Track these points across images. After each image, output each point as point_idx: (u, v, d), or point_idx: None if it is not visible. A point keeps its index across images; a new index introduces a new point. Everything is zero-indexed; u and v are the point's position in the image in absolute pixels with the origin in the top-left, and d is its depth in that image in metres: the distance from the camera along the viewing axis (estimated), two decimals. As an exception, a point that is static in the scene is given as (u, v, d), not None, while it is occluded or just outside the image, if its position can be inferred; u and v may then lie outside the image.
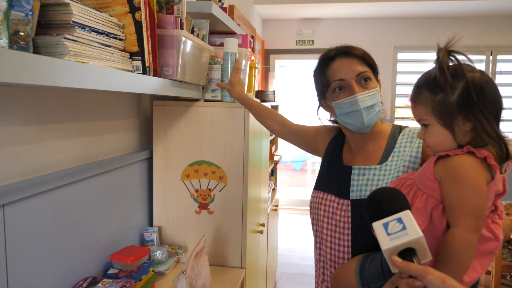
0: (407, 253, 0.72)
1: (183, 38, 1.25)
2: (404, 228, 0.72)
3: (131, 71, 1.05)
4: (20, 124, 1.02)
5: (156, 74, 1.15)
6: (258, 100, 1.69)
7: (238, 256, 1.69)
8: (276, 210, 3.12)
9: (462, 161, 0.86)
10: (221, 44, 1.85)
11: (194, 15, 1.59)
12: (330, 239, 1.12)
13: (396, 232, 0.72)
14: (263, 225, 2.21)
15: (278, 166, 3.58)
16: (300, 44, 5.18)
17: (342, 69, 1.08)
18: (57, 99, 1.16)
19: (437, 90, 0.88)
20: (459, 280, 0.80)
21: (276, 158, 3.23)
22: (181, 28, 1.28)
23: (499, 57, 4.84)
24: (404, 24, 4.94)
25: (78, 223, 1.24)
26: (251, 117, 1.62)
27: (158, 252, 1.54)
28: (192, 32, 1.46)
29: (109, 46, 0.96)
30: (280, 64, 5.54)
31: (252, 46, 3.50)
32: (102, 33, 0.92)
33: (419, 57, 5.07)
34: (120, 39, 1.02)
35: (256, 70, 2.11)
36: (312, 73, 1.18)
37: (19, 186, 0.98)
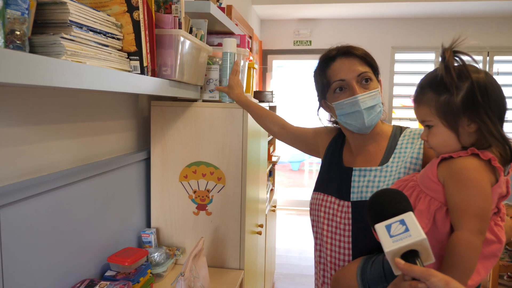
0: (410, 255, 0.71)
1: (182, 38, 1.24)
2: (407, 230, 0.71)
3: (129, 71, 1.04)
4: (16, 124, 1.01)
5: (154, 74, 1.14)
6: (257, 101, 1.68)
7: (237, 258, 1.68)
8: (274, 211, 3.11)
9: (466, 163, 0.85)
10: (219, 44, 1.84)
11: (192, 14, 1.57)
12: (331, 241, 1.11)
13: (399, 234, 0.71)
14: (261, 226, 2.20)
15: (276, 166, 3.58)
16: (298, 45, 5.18)
17: (342, 69, 1.07)
18: (54, 99, 1.14)
19: (442, 90, 0.87)
20: (465, 284, 0.79)
21: (274, 159, 3.23)
22: (179, 28, 1.27)
23: (496, 57, 4.85)
24: (401, 24, 4.95)
25: (75, 224, 1.22)
26: (250, 117, 1.61)
27: (156, 254, 1.53)
28: (191, 32, 1.45)
29: (107, 46, 0.95)
30: (277, 65, 5.53)
31: (250, 46, 3.50)
32: (99, 33, 0.91)
33: (417, 58, 5.08)
34: (118, 39, 1.01)
35: (254, 70, 2.10)
36: (312, 73, 1.17)
37: (15, 187, 0.97)
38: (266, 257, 2.67)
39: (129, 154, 1.57)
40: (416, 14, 4.74)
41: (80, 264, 1.26)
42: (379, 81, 1.12)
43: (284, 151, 4.47)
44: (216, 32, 1.92)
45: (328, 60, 1.10)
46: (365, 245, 1.04)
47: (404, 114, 5.24)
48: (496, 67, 4.88)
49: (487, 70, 4.81)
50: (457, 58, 0.88)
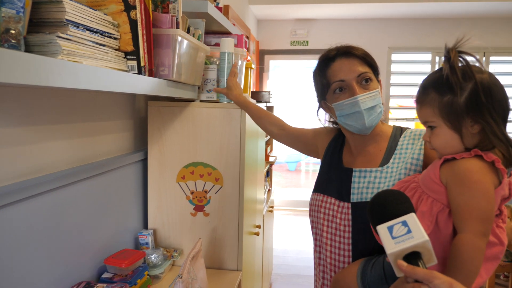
0: (412, 256, 0.70)
1: (179, 38, 1.23)
2: (409, 231, 0.70)
3: (126, 71, 1.03)
4: (11, 125, 0.99)
5: (151, 74, 1.13)
6: (254, 101, 1.67)
7: (235, 259, 1.67)
8: (271, 211, 3.11)
9: (469, 165, 0.84)
10: (217, 44, 1.83)
11: (189, 14, 1.56)
12: (330, 242, 1.10)
13: (401, 235, 0.70)
14: (259, 226, 2.20)
15: (273, 167, 3.57)
16: (295, 45, 5.18)
17: (342, 70, 1.06)
18: (50, 99, 1.13)
19: (445, 91, 0.86)
20: (469, 287, 0.79)
21: (271, 159, 3.22)
22: (177, 27, 1.25)
23: (492, 58, 4.87)
24: (398, 25, 4.96)
25: (72, 226, 1.21)
26: (248, 117, 1.60)
27: (153, 256, 1.51)
28: (188, 31, 1.43)
29: (104, 45, 0.93)
30: (274, 65, 5.53)
31: (247, 46, 3.49)
32: (96, 32, 0.90)
33: (413, 58, 5.09)
34: (115, 38, 0.99)
35: (252, 70, 2.09)
36: (312, 74, 1.16)
37: (11, 188, 0.95)
38: (264, 257, 2.66)
39: (126, 155, 1.56)
40: (412, 14, 4.75)
41: (76, 266, 1.24)
42: (379, 81, 1.11)
43: (281, 151, 4.47)
44: (214, 32, 1.91)
45: (328, 60, 1.09)
46: (365, 247, 1.04)
47: (400, 114, 5.25)
48: (492, 68, 4.90)
49: (483, 70, 4.88)
50: (460, 59, 0.87)
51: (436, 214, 0.86)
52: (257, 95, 2.73)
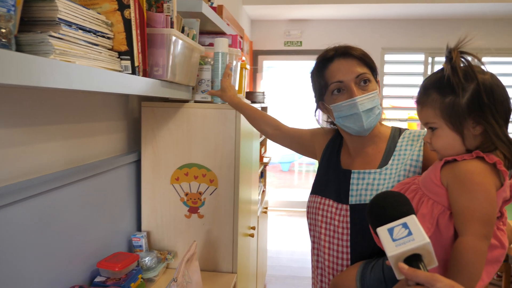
0: (413, 259, 0.69)
1: (174, 38, 1.22)
2: (410, 233, 0.69)
3: (119, 71, 1.01)
4: (2, 126, 0.97)
5: (145, 74, 1.11)
6: (249, 102, 1.66)
7: (229, 261, 1.65)
8: (265, 212, 3.10)
9: (471, 166, 0.84)
10: (211, 44, 1.81)
11: (183, 14, 1.55)
12: (329, 245, 1.09)
13: (402, 237, 0.69)
14: (253, 228, 2.18)
15: (266, 167, 3.56)
16: (289, 45, 5.18)
17: (340, 71, 1.04)
18: (42, 100, 1.11)
19: (447, 92, 0.86)
20: None
21: (265, 160, 3.21)
22: (172, 27, 1.24)
23: (483, 59, 4.89)
24: (391, 25, 4.98)
25: (64, 229, 1.19)
26: (242, 118, 1.59)
27: (147, 258, 1.49)
28: (182, 31, 1.42)
29: (97, 45, 0.91)
30: (267, 65, 5.52)
31: (241, 46, 3.47)
32: (89, 31, 0.88)
33: (406, 59, 5.12)
34: (108, 38, 0.98)
35: (246, 71, 2.08)
36: (309, 74, 1.15)
37: (1, 191, 0.93)
38: (258, 259, 2.65)
39: (119, 156, 1.54)
40: (406, 15, 4.78)
41: (68, 270, 1.22)
42: (377, 82, 1.10)
43: (274, 151, 4.46)
44: (208, 32, 1.89)
45: (326, 60, 1.08)
46: (364, 249, 1.02)
47: (393, 115, 5.28)
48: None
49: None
50: (462, 59, 0.86)
51: (437, 217, 0.85)
52: (251, 95, 2.72)
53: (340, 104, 1.05)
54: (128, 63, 1.02)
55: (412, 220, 0.71)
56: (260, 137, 2.60)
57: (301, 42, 5.14)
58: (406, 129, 1.15)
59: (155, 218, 1.67)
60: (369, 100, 1.04)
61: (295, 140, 1.35)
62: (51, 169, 1.15)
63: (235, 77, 1.77)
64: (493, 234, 0.84)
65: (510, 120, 0.88)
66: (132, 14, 1.00)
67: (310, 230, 1.18)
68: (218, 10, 2.79)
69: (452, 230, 0.84)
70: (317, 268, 1.15)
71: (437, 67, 5.05)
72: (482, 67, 0.88)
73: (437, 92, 0.87)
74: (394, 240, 0.70)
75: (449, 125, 0.86)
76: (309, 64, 5.39)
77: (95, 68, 0.85)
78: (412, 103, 5.04)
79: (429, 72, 4.92)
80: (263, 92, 2.84)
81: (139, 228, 1.71)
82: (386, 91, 5.03)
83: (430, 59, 4.92)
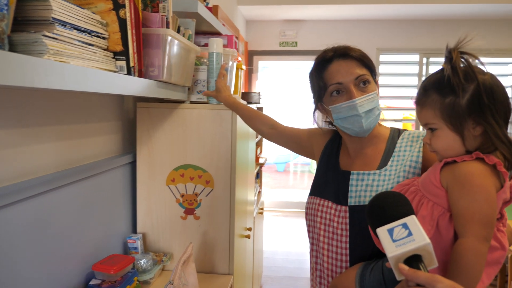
0: (413, 259, 0.68)
1: (169, 38, 1.20)
2: (410, 234, 0.69)
3: (114, 72, 0.99)
4: (-6, 128, 0.95)
5: (141, 74, 1.10)
6: (245, 103, 1.65)
7: (226, 262, 1.64)
8: (261, 213, 3.09)
9: (471, 168, 0.83)
10: (206, 45, 1.80)
11: (179, 14, 1.54)
12: (327, 247, 1.08)
13: (402, 238, 0.69)
14: (249, 229, 2.17)
15: (262, 168, 3.55)
16: (284, 46, 5.17)
17: (340, 72, 1.04)
18: (36, 101, 1.09)
19: (447, 92, 0.85)
20: None
21: (261, 161, 3.20)
22: (167, 27, 1.23)
23: (484, 60, 4.93)
24: (386, 26, 4.99)
25: (58, 231, 1.17)
26: (239, 119, 1.58)
27: (142, 261, 1.48)
28: (178, 31, 1.41)
29: (92, 45, 0.90)
30: (262, 66, 5.51)
31: (237, 47, 3.46)
32: (84, 31, 0.87)
33: (401, 59, 5.13)
34: (103, 38, 0.96)
35: (242, 71, 2.07)
36: (308, 75, 1.14)
37: (-7, 194, 0.91)
38: (254, 260, 2.64)
39: (114, 158, 1.52)
40: (401, 16, 4.79)
41: (63, 272, 1.20)
42: (376, 83, 1.10)
43: (269, 152, 4.46)
44: (203, 32, 1.88)
45: (325, 61, 1.07)
46: (363, 251, 1.02)
47: (388, 115, 5.29)
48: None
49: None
50: (462, 59, 0.86)
51: (437, 218, 0.85)
52: (247, 96, 2.71)
53: (340, 106, 1.04)
54: (123, 63, 1.01)
55: (412, 220, 0.71)
56: (256, 137, 2.59)
57: (296, 42, 5.14)
58: (405, 130, 1.14)
59: (151, 220, 1.65)
60: (369, 101, 1.03)
61: (291, 139, 1.34)
62: (45, 171, 1.13)
63: (231, 78, 1.76)
64: (493, 235, 0.84)
65: (510, 120, 0.88)
66: (128, 14, 0.99)
67: (309, 231, 1.17)
68: (214, 10, 2.78)
69: (452, 232, 0.84)
70: (316, 270, 1.14)
71: (432, 68, 5.09)
72: (482, 67, 0.87)
73: (437, 92, 0.87)
74: (394, 240, 0.69)
75: (449, 126, 0.86)
76: (305, 64, 5.39)
77: (90, 68, 0.84)
78: (407, 104, 5.05)
79: (424, 73, 4.94)
80: (259, 93, 2.84)
81: (134, 230, 1.69)
82: (381, 91, 4.95)
83: (425, 60, 4.94)
